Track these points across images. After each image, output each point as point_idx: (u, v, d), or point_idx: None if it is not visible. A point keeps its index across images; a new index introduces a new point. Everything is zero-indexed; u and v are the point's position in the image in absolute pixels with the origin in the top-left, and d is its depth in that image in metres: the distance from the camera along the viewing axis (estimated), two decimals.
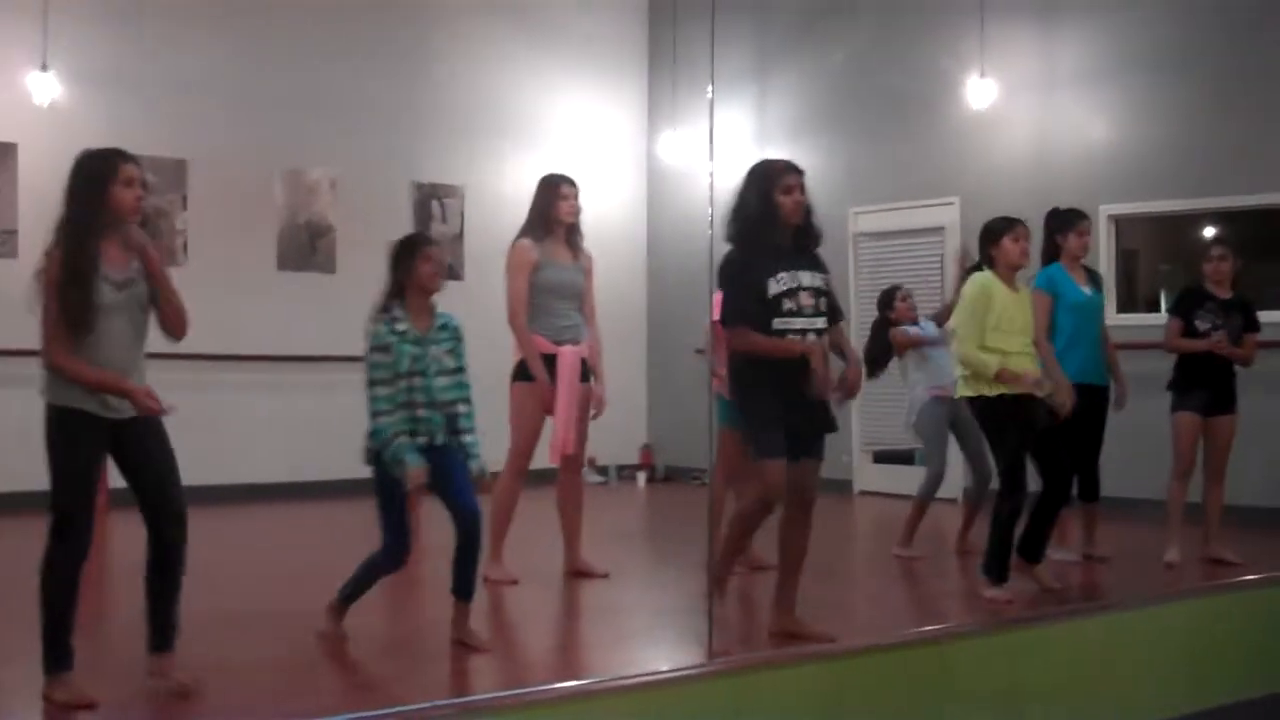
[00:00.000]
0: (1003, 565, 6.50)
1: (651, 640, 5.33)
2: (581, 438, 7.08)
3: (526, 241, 7.13)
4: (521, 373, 6.98)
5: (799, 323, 5.38)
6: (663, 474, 13.21)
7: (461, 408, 5.47)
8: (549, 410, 6.97)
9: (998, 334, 6.47)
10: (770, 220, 5.46)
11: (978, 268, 6.84)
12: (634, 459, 13.16)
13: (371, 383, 5.34)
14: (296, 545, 8.52)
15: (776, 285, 5.37)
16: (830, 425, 5.57)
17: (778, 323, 5.36)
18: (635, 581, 6.36)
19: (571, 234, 7.21)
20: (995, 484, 6.62)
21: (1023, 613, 6.20)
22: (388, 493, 5.42)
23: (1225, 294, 7.56)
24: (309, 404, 11.15)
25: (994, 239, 6.67)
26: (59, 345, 4.43)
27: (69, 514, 4.45)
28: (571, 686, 4.70)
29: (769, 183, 5.49)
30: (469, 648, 5.28)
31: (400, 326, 5.37)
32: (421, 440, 5.33)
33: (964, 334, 6.57)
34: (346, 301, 11.53)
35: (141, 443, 4.56)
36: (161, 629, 4.64)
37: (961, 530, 8.08)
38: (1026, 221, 6.76)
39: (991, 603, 6.35)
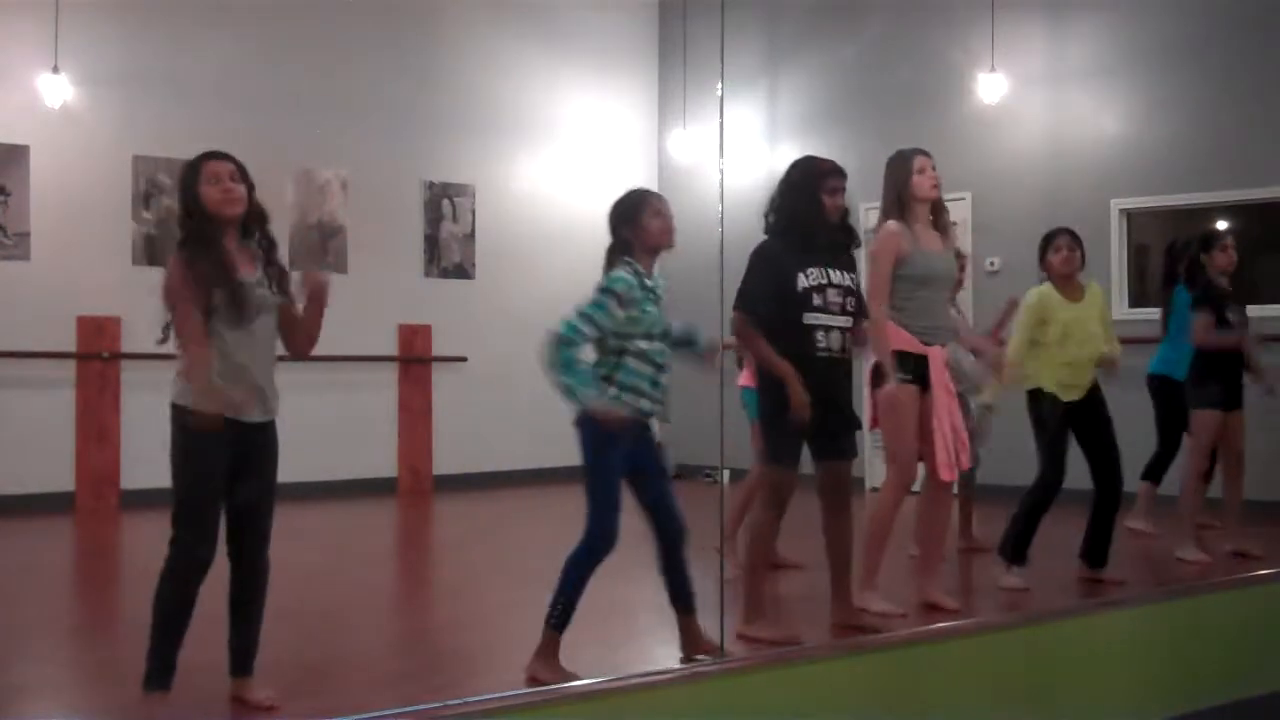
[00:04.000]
0: (1019, 549, 6.59)
1: (664, 638, 5.32)
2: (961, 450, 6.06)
3: (895, 225, 6.05)
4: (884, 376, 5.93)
5: (824, 319, 5.48)
6: (674, 471, 13.14)
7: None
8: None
9: (1065, 347, 6.65)
10: (811, 218, 5.56)
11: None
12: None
13: (589, 322, 4.84)
14: (313, 546, 8.53)
15: (806, 280, 5.47)
16: (855, 422, 5.66)
17: (807, 317, 5.47)
18: (647, 579, 6.34)
19: (938, 213, 6.19)
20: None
21: (1037, 607, 6.21)
22: (597, 452, 4.85)
23: (1227, 285, 7.57)
24: (322, 404, 11.16)
25: (1041, 255, 6.89)
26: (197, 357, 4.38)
27: (189, 523, 4.37)
28: (583, 685, 4.69)
29: (815, 181, 5.61)
30: (709, 652, 5.07)
31: (648, 283, 4.96)
32: (653, 407, 4.94)
33: (1014, 341, 6.80)
34: (358, 301, 11.56)
35: (258, 453, 4.52)
36: (239, 652, 4.57)
37: (963, 526, 8.02)
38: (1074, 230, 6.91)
39: (1009, 592, 6.43)
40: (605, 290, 4.87)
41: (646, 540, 5.08)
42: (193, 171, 4.49)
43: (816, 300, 5.47)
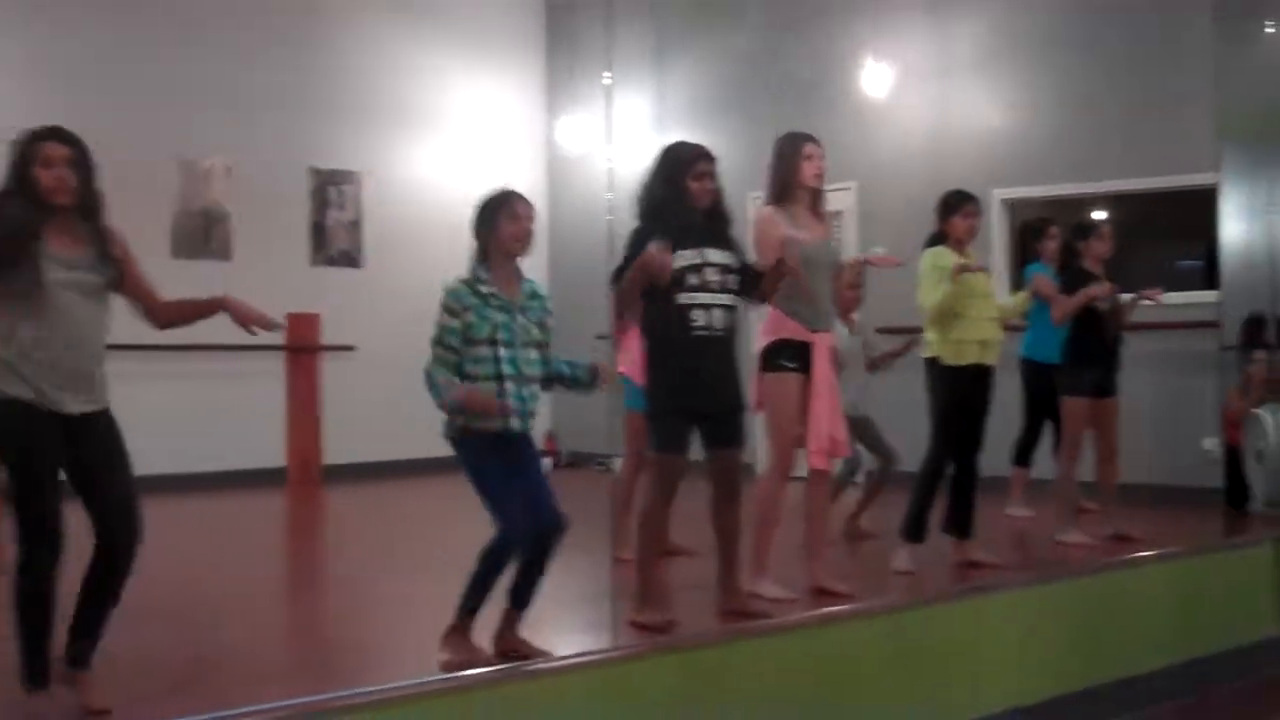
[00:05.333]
0: (915, 526, 6.75)
1: (556, 627, 5.33)
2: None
3: (770, 210, 6.12)
4: (773, 362, 6.05)
5: (704, 298, 5.46)
6: (566, 460, 13.22)
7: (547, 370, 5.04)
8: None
9: (959, 299, 6.72)
10: (678, 203, 5.52)
11: (934, 241, 6.94)
12: (538, 446, 13.09)
13: (437, 343, 4.85)
14: (198, 537, 8.42)
15: (680, 260, 5.41)
16: (741, 404, 5.61)
17: (682, 297, 5.43)
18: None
19: (817, 201, 6.24)
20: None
21: (923, 590, 6.31)
22: (476, 468, 4.89)
23: (1099, 271, 7.75)
24: (208, 394, 11.03)
25: (946, 214, 6.89)
26: None
27: (21, 522, 4.21)
28: (476, 674, 4.69)
29: (681, 168, 5.56)
30: (523, 656, 4.93)
31: (485, 289, 4.90)
32: (507, 423, 4.86)
33: (926, 298, 6.78)
34: (244, 289, 11.30)
35: (99, 446, 4.36)
36: (90, 642, 4.39)
37: (855, 512, 8.10)
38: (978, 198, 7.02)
39: (900, 575, 6.57)
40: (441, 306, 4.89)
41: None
42: (26, 149, 4.29)
43: (692, 280, 5.43)
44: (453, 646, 4.90)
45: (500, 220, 4.92)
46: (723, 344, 5.53)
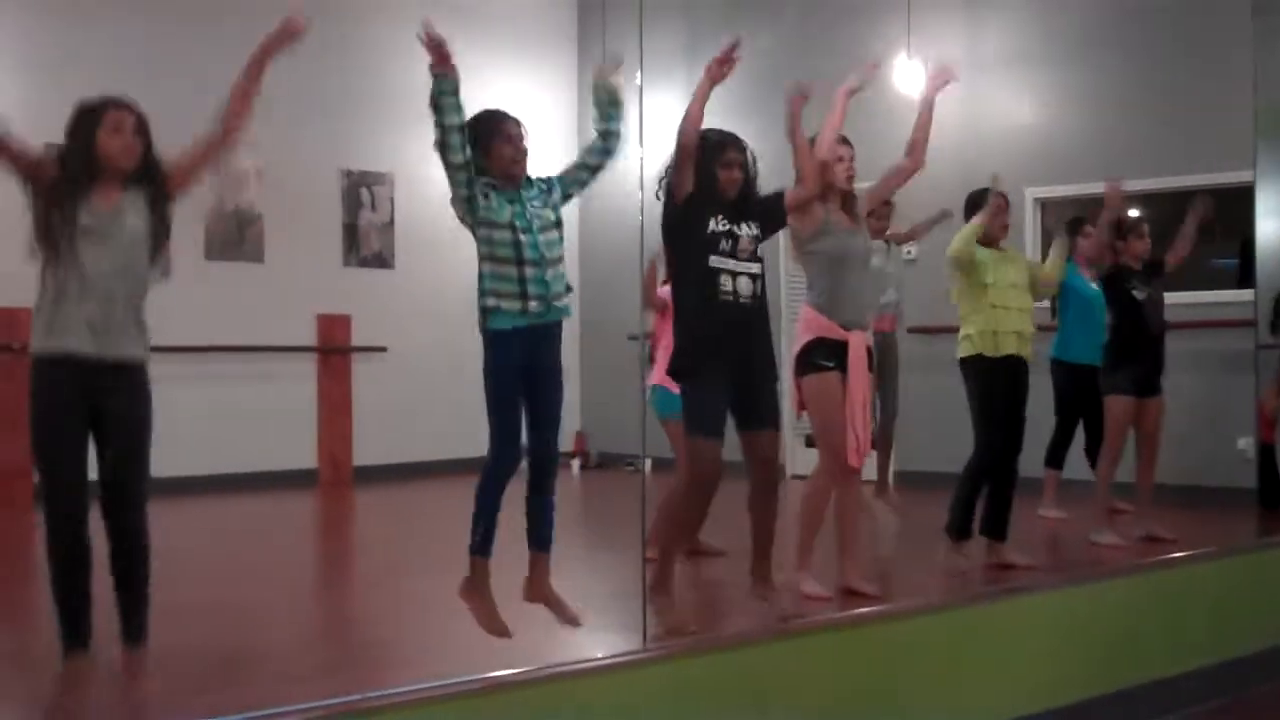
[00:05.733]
0: (966, 523, 6.77)
1: (587, 628, 5.32)
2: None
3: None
4: (811, 362, 6.06)
5: (732, 264, 5.48)
6: (596, 461, 13.21)
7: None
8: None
9: (995, 291, 6.77)
10: (708, 189, 5.58)
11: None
12: (567, 446, 13.13)
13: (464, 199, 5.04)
14: (231, 538, 8.44)
15: (715, 225, 5.49)
16: (773, 373, 5.62)
17: (714, 260, 5.46)
18: (570, 569, 6.41)
19: (849, 202, 6.34)
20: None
21: (966, 591, 6.29)
22: (492, 369, 4.94)
23: (1139, 267, 7.71)
24: (240, 395, 11.06)
25: (974, 212, 6.92)
26: None
27: (49, 482, 4.25)
28: (505, 675, 4.68)
29: (710, 155, 5.65)
30: (554, 611, 5.11)
31: (488, 188, 5.06)
32: (529, 309, 4.90)
33: (960, 293, 6.90)
34: (276, 290, 11.46)
35: (116, 401, 4.35)
36: (133, 620, 4.41)
37: (879, 478, 8.10)
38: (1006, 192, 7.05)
39: (951, 573, 6.65)
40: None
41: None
42: (93, 117, 4.39)
43: (724, 245, 5.48)
44: (467, 595, 5.03)
45: (497, 144, 5.22)
46: (751, 310, 5.52)
